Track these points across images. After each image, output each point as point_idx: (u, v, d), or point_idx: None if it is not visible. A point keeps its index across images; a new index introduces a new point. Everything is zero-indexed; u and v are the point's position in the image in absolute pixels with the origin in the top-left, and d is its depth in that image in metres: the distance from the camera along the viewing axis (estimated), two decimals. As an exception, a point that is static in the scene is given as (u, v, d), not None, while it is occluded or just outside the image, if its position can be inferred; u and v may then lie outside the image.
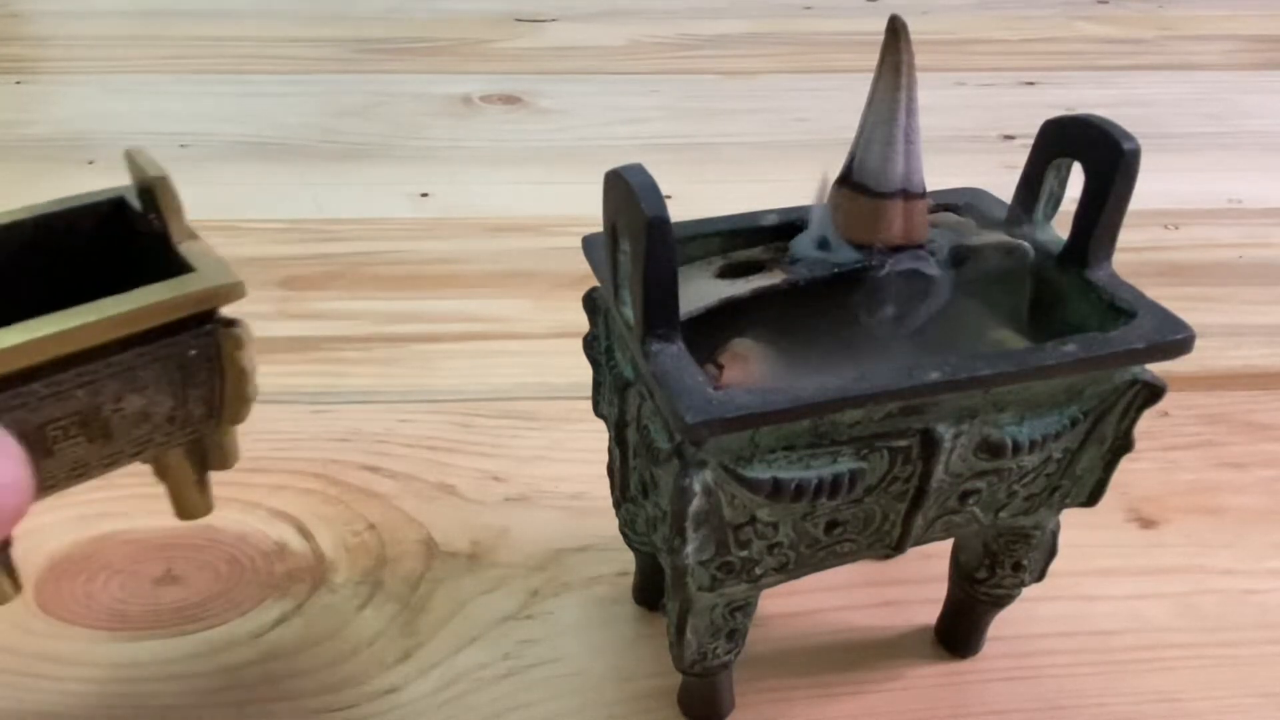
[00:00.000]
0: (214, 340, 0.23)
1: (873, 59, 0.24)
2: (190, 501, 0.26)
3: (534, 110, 0.72)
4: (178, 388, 0.23)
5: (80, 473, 0.23)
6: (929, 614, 0.33)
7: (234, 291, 0.22)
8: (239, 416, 0.25)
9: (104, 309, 0.21)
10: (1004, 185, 0.28)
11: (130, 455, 0.23)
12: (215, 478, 0.28)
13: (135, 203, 0.24)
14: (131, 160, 0.23)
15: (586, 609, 0.34)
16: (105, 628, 0.32)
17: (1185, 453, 0.41)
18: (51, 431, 0.21)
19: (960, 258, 0.26)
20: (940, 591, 0.32)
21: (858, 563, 0.29)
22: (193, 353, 0.22)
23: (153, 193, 0.23)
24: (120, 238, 0.24)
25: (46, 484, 0.18)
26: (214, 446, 0.25)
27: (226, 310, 0.23)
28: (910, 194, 0.25)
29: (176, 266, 0.22)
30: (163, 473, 0.26)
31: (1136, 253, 0.54)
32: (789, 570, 0.25)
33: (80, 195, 0.24)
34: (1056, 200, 0.27)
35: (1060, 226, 0.27)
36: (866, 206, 0.25)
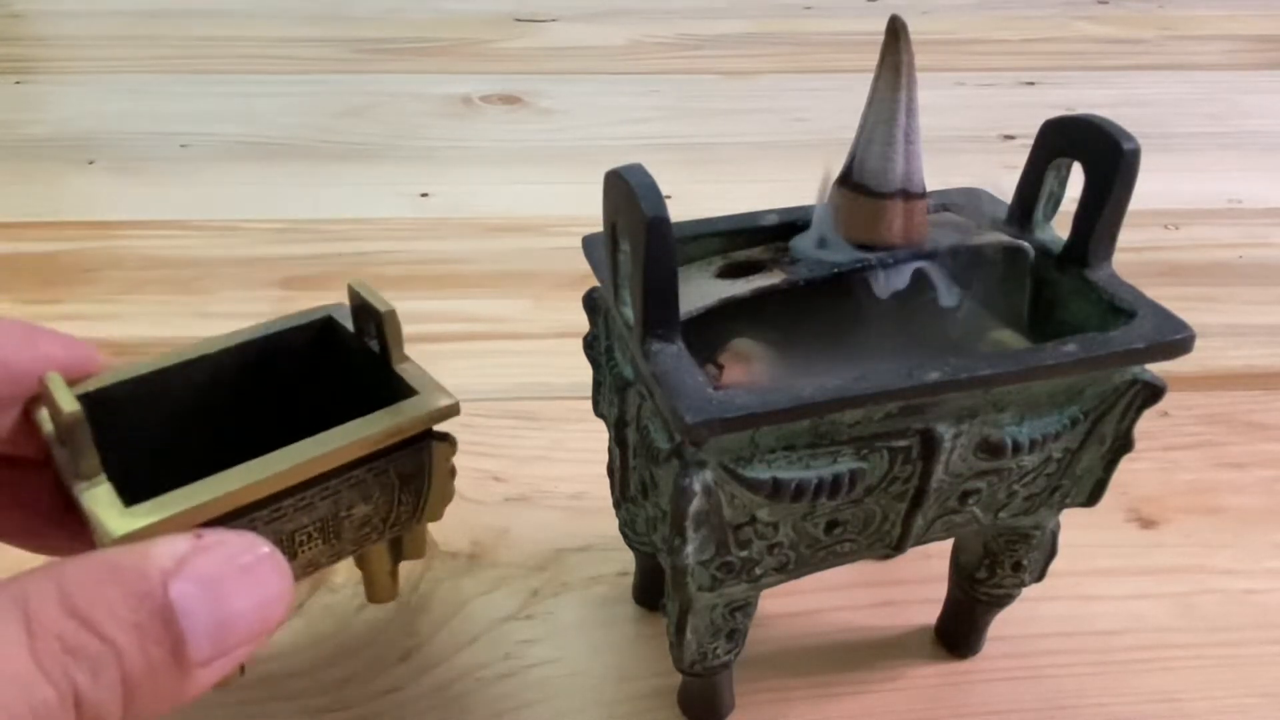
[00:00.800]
0: (428, 452, 0.26)
1: (873, 59, 0.24)
2: (384, 587, 0.29)
3: (534, 110, 0.72)
4: (395, 494, 0.26)
5: (312, 569, 0.26)
6: (929, 614, 0.33)
7: (451, 411, 0.25)
8: (438, 515, 0.28)
9: (351, 434, 0.24)
10: (1004, 185, 0.28)
11: (349, 551, 0.26)
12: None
13: (343, 322, 0.27)
14: (354, 291, 0.26)
15: (586, 609, 0.34)
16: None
17: (1185, 453, 0.41)
18: (299, 537, 0.24)
19: (960, 258, 0.26)
20: (940, 591, 0.32)
21: (858, 563, 0.29)
22: (411, 465, 0.26)
23: (379, 322, 0.26)
24: (326, 350, 0.28)
25: None
26: (410, 540, 0.28)
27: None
28: (910, 194, 0.25)
29: (391, 383, 0.26)
30: (363, 562, 0.28)
31: (1136, 253, 0.54)
32: (789, 570, 0.25)
33: (295, 315, 0.28)
34: (1056, 200, 0.27)
35: (1060, 226, 0.27)
36: (866, 206, 0.25)
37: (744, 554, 0.24)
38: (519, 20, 0.90)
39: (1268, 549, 0.37)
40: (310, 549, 0.25)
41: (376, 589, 0.29)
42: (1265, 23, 0.93)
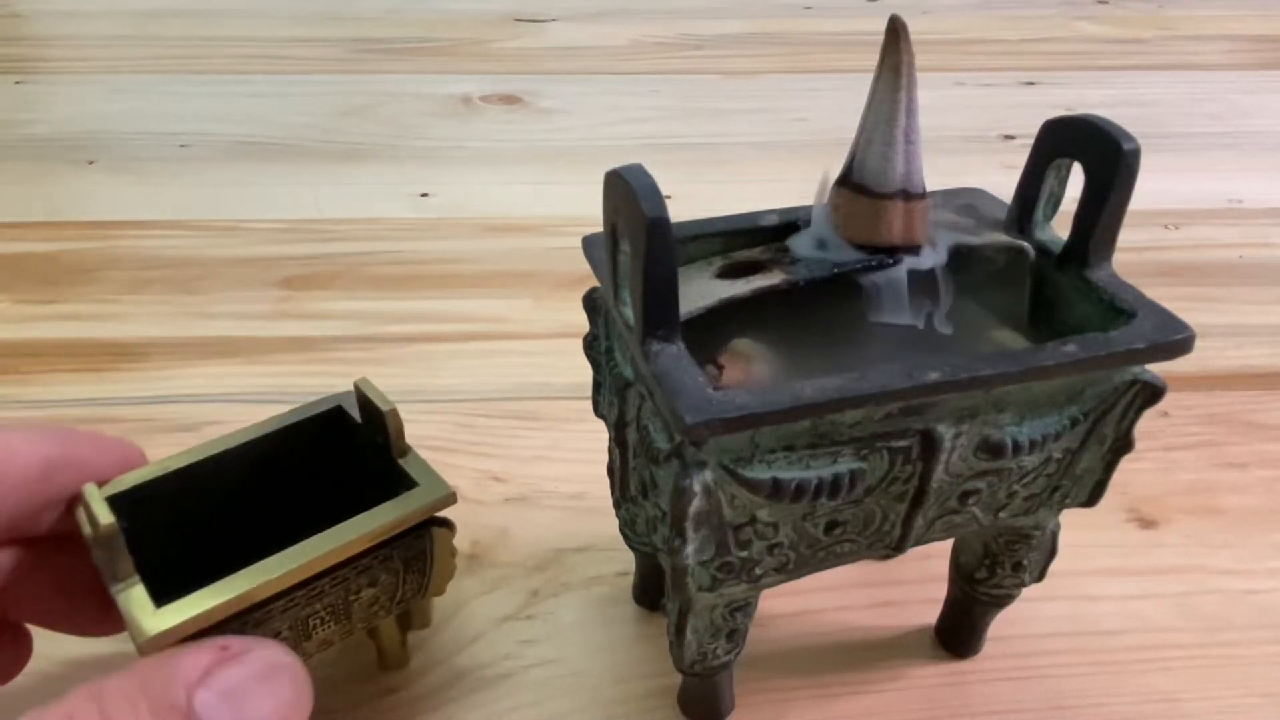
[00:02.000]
0: (429, 537, 0.28)
1: (873, 59, 0.24)
2: (394, 656, 0.31)
3: (534, 110, 0.72)
4: (400, 576, 0.28)
5: (326, 646, 0.28)
6: (929, 614, 0.33)
7: (449, 500, 0.27)
8: (441, 590, 0.30)
9: (356, 530, 0.26)
10: (1004, 185, 0.28)
11: (360, 628, 0.28)
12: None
13: (351, 410, 0.29)
14: (359, 390, 0.28)
15: (586, 609, 0.34)
16: (105, 628, 0.32)
17: (1185, 453, 0.41)
18: (312, 621, 0.26)
19: (960, 258, 0.26)
20: (940, 591, 0.32)
21: (858, 563, 0.29)
22: (413, 550, 0.27)
23: (381, 420, 0.28)
24: (336, 436, 0.30)
25: (305, 659, 0.24)
26: (417, 612, 0.30)
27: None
28: (910, 194, 0.25)
29: (393, 472, 0.28)
30: (374, 634, 0.30)
31: (1136, 253, 0.54)
32: (789, 570, 0.25)
33: (308, 405, 0.30)
34: (1056, 200, 0.27)
35: (1060, 227, 0.27)
36: (866, 207, 0.25)
37: (744, 554, 0.24)
38: (519, 20, 0.90)
39: (1268, 549, 0.37)
40: (323, 630, 0.27)
41: (388, 658, 0.31)
42: (1265, 23, 0.93)
